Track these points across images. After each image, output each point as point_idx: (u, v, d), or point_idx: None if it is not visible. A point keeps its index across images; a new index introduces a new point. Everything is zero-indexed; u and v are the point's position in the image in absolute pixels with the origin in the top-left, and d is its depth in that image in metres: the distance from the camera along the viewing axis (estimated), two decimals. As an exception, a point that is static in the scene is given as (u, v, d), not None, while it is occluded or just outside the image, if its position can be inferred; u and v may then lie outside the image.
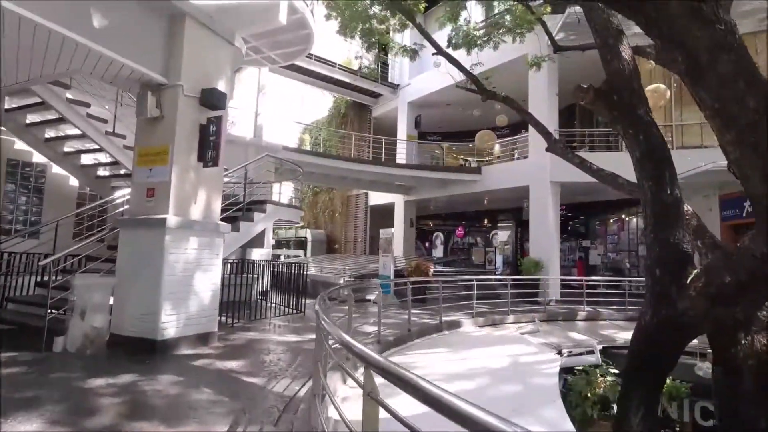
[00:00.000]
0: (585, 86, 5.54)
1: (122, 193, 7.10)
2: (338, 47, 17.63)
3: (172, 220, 4.80)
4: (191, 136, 5.19)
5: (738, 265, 3.92)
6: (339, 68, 16.51)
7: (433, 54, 11.26)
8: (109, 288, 4.92)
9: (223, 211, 6.24)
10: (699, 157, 10.89)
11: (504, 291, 9.33)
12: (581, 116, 16.11)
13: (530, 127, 12.89)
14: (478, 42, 10.91)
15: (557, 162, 11.34)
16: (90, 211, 7.28)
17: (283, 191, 11.63)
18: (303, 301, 8.49)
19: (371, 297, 11.27)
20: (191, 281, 5.04)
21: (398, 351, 5.58)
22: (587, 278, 9.87)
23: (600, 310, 9.57)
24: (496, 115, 15.63)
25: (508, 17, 11.82)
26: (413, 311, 6.98)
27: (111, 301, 4.96)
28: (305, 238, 20.56)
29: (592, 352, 4.18)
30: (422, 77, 16.99)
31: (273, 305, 8.72)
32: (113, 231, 5.84)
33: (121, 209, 7.02)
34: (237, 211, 7.08)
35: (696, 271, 4.69)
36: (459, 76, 11.05)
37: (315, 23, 9.20)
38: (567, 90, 13.11)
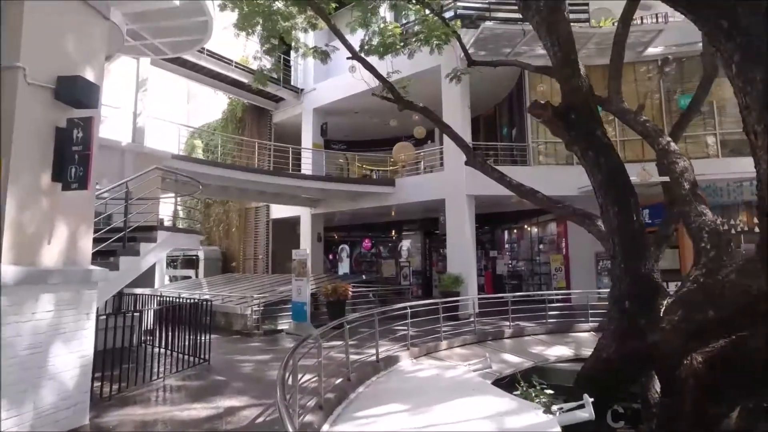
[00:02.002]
0: (542, 102, 5.16)
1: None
2: (236, 42, 15.86)
3: (7, 272, 3.14)
4: (41, 144, 3.54)
5: (724, 300, 3.76)
6: (236, 67, 14.72)
7: (347, 58, 10.43)
8: None
9: (93, 242, 4.55)
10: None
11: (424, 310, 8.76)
12: (485, 129, 16.66)
13: (445, 140, 12.79)
14: (398, 46, 10.33)
15: (473, 175, 11.30)
16: None
17: (167, 206, 9.69)
18: (205, 339, 6.81)
19: (284, 327, 9.91)
20: (44, 360, 3.40)
21: (344, 413, 4.52)
22: (512, 294, 9.83)
23: (521, 324, 9.57)
24: (404, 125, 15.37)
25: (417, 27, 11.52)
26: (333, 342, 5.88)
27: None
28: (196, 256, 18.03)
29: (583, 406, 3.72)
30: (329, 83, 16.02)
31: (164, 352, 6.95)
32: None
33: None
34: (116, 241, 5.34)
35: (667, 302, 4.55)
36: (373, 83, 10.38)
37: (215, 10, 7.73)
38: (472, 102, 13.35)
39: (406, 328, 7.60)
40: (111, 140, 8.37)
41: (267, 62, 12.26)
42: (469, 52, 10.97)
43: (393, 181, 13.69)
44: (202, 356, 6.76)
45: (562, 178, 11.79)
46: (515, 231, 16.74)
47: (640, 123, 7.06)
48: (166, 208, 9.25)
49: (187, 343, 6.81)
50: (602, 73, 10.12)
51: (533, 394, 7.21)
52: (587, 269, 12.68)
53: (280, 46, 11.54)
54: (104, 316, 4.83)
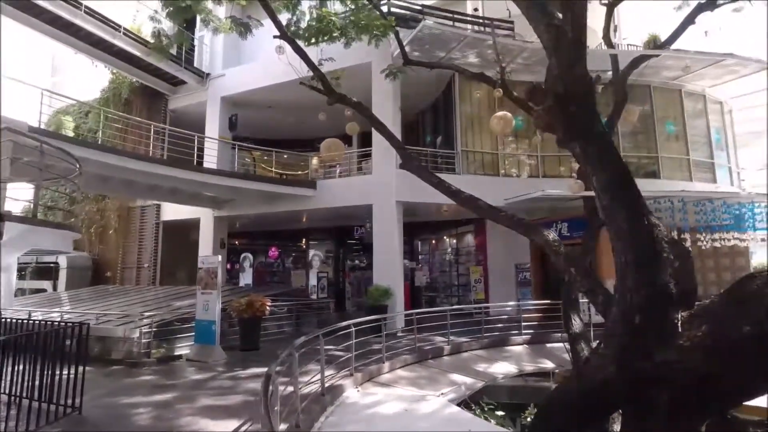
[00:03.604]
0: (543, 87, 4.58)
1: None
2: (126, 6, 13.28)
3: None
4: None
5: (761, 314, 3.41)
6: (125, 34, 12.15)
7: (275, 36, 9.06)
8: None
9: None
10: (520, 185, 11.97)
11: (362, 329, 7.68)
12: (406, 136, 16.20)
13: (374, 142, 11.94)
14: (334, 33, 9.24)
15: (403, 180, 10.63)
16: None
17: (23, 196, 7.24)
18: (72, 375, 4.80)
19: (184, 352, 7.97)
20: None
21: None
22: (450, 308, 9.25)
23: (457, 339, 8.98)
24: (325, 125, 14.17)
25: (352, 18, 10.60)
26: (255, 370, 4.48)
27: None
28: (55, 263, 14.45)
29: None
30: (241, 69, 14.23)
31: (7, 399, 4.83)
32: None
33: None
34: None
35: (683, 315, 4.15)
36: (301, 70, 9.16)
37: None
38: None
39: (340, 349, 6.41)
40: (-68, 96, 5.88)
41: (168, 29, 10.10)
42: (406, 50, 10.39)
43: (314, 184, 12.40)
44: (68, 403, 4.78)
45: (489, 188, 11.69)
46: (433, 242, 16.54)
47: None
48: (21, 197, 6.87)
49: (43, 382, 4.78)
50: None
51: (483, 417, 6.60)
52: (507, 280, 12.77)
53: (184, 10, 9.58)
54: None
